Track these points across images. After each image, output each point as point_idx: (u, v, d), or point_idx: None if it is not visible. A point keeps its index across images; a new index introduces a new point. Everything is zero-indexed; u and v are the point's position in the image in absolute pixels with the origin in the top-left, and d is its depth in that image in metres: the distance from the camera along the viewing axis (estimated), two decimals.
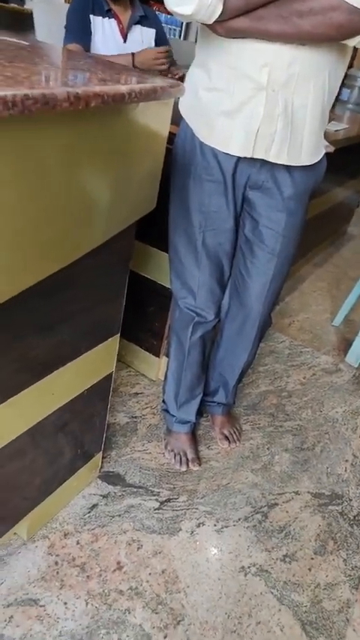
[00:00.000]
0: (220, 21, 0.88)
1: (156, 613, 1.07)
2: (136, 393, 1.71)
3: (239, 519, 1.31)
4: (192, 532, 1.26)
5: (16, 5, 2.76)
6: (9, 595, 1.05)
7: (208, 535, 1.26)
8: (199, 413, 1.54)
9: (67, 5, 2.03)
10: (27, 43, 0.82)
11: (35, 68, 0.59)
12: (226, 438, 1.56)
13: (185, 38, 3.77)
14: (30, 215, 0.59)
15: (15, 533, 1.17)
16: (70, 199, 0.66)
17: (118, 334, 1.12)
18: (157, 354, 1.75)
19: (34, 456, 1.03)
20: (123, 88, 0.58)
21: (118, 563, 1.15)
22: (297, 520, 1.34)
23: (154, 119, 0.80)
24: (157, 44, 2.07)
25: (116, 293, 1.05)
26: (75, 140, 0.60)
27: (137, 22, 2.02)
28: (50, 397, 0.99)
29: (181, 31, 4.07)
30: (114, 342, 1.12)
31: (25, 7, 2.84)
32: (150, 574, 1.14)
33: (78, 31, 1.90)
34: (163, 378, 1.75)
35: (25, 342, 0.84)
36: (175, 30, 3.69)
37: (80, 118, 0.58)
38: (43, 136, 0.53)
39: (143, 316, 1.69)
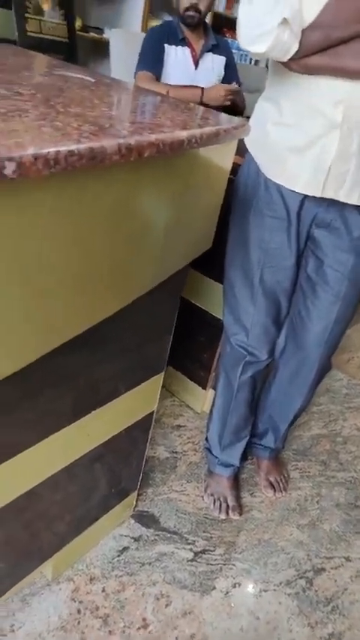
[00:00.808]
0: (295, 58, 0.83)
1: None
2: (179, 426, 1.63)
3: (280, 583, 1.19)
4: (227, 592, 1.15)
5: (95, 34, 2.83)
6: None
7: (245, 598, 1.14)
8: (244, 455, 1.43)
9: (143, 35, 2.05)
10: (93, 80, 0.78)
11: (91, 114, 0.53)
12: (272, 485, 1.44)
13: (256, 64, 3.75)
14: (77, 269, 0.54)
15: (40, 572, 1.11)
16: (120, 250, 0.61)
17: (163, 372, 1.05)
18: (204, 386, 1.66)
19: (68, 493, 0.98)
20: (183, 134, 0.52)
21: (144, 619, 1.06)
22: (346, 592, 1.20)
23: (217, 159, 0.74)
24: (226, 71, 2.06)
25: (164, 330, 0.98)
26: (127, 189, 0.55)
27: (209, 50, 2.01)
28: (86, 437, 0.93)
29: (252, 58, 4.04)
30: (158, 380, 1.05)
31: (104, 35, 2.92)
32: (177, 638, 1.04)
33: (151, 60, 1.92)
34: (208, 412, 1.66)
35: (64, 382, 0.79)
36: (246, 55, 3.67)
37: (134, 167, 0.52)
38: (91, 188, 0.48)
39: (192, 346, 1.62)
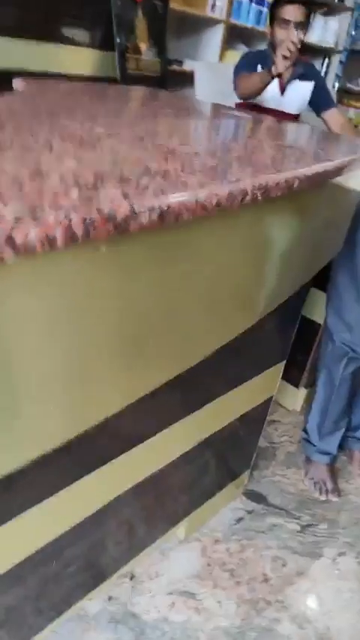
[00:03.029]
0: None
1: (302, 629, 1.13)
2: (274, 421, 1.79)
3: None
4: (334, 559, 1.30)
5: (176, 66, 3.11)
6: (170, 584, 1.18)
7: (351, 566, 1.29)
8: (339, 446, 1.58)
9: (226, 66, 2.27)
10: (249, 116, 0.99)
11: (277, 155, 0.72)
12: None
13: None
14: (221, 294, 0.67)
15: (174, 534, 1.31)
16: (258, 271, 0.75)
17: (285, 359, 1.23)
18: (297, 385, 1.82)
19: (193, 469, 1.16)
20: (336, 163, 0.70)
21: (265, 575, 1.23)
22: None
23: (352, 181, 0.90)
24: (317, 94, 2.19)
25: (291, 321, 1.16)
26: (270, 219, 0.68)
27: (295, 78, 2.18)
28: (212, 420, 1.10)
29: None
30: (280, 367, 1.23)
31: (184, 67, 3.18)
32: (295, 591, 1.20)
33: (245, 71, 2.10)
34: (299, 410, 1.83)
35: (193, 374, 0.91)
36: None
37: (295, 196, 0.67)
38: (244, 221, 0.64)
39: None
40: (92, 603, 1.13)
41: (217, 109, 1.19)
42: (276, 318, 1.09)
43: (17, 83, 1.13)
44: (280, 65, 1.87)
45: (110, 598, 1.15)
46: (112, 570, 1.12)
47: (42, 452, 0.55)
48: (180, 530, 1.29)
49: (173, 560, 1.24)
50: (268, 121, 1.11)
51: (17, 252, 0.33)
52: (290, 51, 1.79)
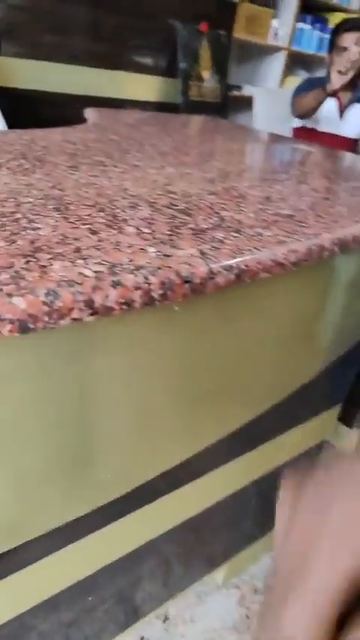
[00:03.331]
0: None
1: None
2: None
3: None
4: None
5: (235, 92, 3.14)
6: (205, 632, 1.13)
7: None
8: None
9: (285, 91, 2.27)
10: (312, 150, 0.96)
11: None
12: None
13: None
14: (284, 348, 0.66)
15: (212, 577, 1.25)
16: (324, 323, 0.72)
17: (341, 402, 1.17)
18: (350, 425, 1.73)
19: (238, 511, 1.12)
20: None
21: None
22: None
23: None
24: None
25: (349, 370, 1.11)
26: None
27: (355, 102, 2.15)
28: (265, 462, 1.06)
29: None
30: (336, 410, 1.17)
31: (242, 92, 3.21)
32: None
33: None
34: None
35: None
36: None
37: None
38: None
39: None
40: None
41: (283, 142, 1.16)
42: (334, 364, 1.04)
43: (89, 113, 1.15)
44: (336, 81, 1.87)
45: (142, 638, 1.11)
46: (146, 610, 1.09)
47: (109, 500, 0.54)
48: (219, 574, 1.24)
49: (210, 605, 1.19)
50: (338, 156, 1.08)
51: (95, 314, 0.32)
52: (346, 68, 1.80)
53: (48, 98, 2.29)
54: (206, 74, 2.72)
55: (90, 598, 0.93)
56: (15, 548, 0.58)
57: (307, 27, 3.16)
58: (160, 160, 0.74)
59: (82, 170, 0.61)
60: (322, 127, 2.15)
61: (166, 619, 1.15)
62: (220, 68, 2.79)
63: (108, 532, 0.78)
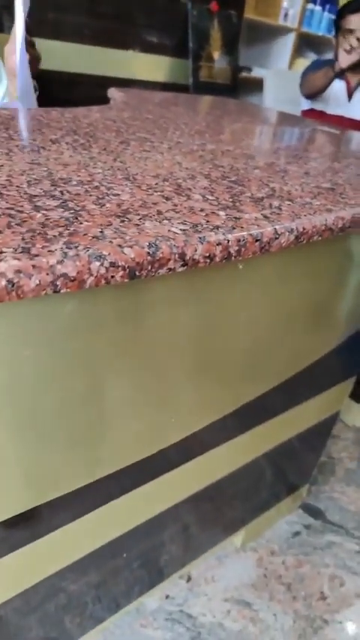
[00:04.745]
0: None
1: None
2: (333, 436, 1.77)
3: None
4: None
5: (245, 73, 3.13)
6: (226, 591, 1.19)
7: None
8: None
9: (294, 74, 2.28)
10: (337, 132, 0.99)
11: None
12: None
13: None
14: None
15: (231, 541, 1.32)
16: (349, 294, 0.77)
17: (354, 376, 1.22)
18: (358, 401, 1.79)
19: (254, 479, 1.17)
20: None
21: (322, 593, 1.22)
22: None
23: None
24: None
25: None
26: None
27: None
28: (279, 433, 1.10)
29: None
30: (349, 382, 1.22)
31: (251, 73, 3.20)
32: (354, 613, 1.19)
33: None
34: (358, 425, 1.79)
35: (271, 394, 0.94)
36: None
37: None
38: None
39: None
40: (150, 600, 1.16)
41: (308, 124, 1.19)
42: (351, 336, 1.09)
43: (113, 93, 1.18)
44: (343, 59, 1.88)
45: (167, 597, 1.17)
46: (170, 571, 1.15)
47: (128, 463, 0.58)
48: (237, 538, 1.30)
49: (230, 567, 1.25)
50: (357, 136, 1.11)
51: (185, 266, 0.36)
52: (352, 46, 1.81)
53: (55, 77, 2.29)
54: (216, 55, 2.72)
55: (120, 557, 0.99)
56: (44, 512, 0.63)
57: (317, 8, 3.14)
58: (199, 138, 0.77)
59: (133, 146, 0.65)
60: (331, 109, 2.17)
61: (189, 579, 1.21)
62: (231, 49, 2.79)
63: (131, 499, 0.82)
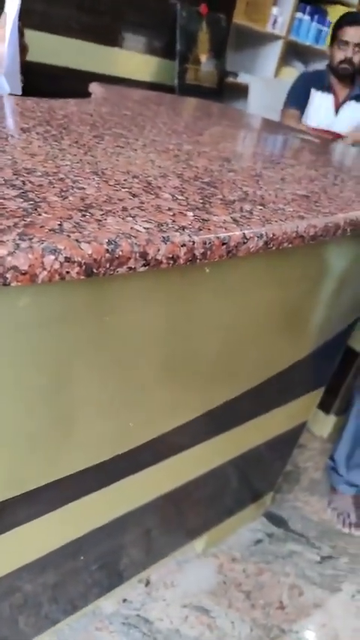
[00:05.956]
0: None
1: None
2: (300, 445, 1.78)
3: None
4: (353, 596, 1.28)
5: (231, 78, 3.14)
6: (185, 597, 1.18)
7: None
8: None
9: (280, 83, 2.30)
10: (317, 141, 0.99)
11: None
12: None
13: None
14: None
15: (193, 547, 1.30)
16: (322, 304, 0.77)
17: (323, 386, 1.22)
18: (327, 411, 1.80)
19: (218, 485, 1.16)
20: None
21: (281, 602, 1.22)
22: None
23: None
24: None
25: (334, 355, 1.16)
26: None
27: (352, 99, 2.19)
28: (247, 440, 1.09)
29: None
30: (319, 392, 1.22)
31: (237, 79, 3.21)
32: (311, 623, 1.19)
33: (299, 100, 2.16)
34: (325, 436, 1.81)
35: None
36: None
37: None
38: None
39: None
40: (107, 603, 1.13)
41: (289, 130, 1.19)
42: (323, 346, 1.09)
43: (94, 88, 1.16)
44: (337, 55, 2.04)
45: (125, 600, 1.15)
46: (129, 574, 1.13)
47: (93, 464, 0.56)
48: (199, 543, 1.29)
49: (189, 572, 1.24)
50: (340, 147, 1.12)
51: (146, 265, 0.35)
52: (346, 57, 1.91)
53: (40, 69, 2.24)
54: (204, 58, 2.72)
55: (81, 558, 0.96)
56: (1, 510, 0.60)
57: (305, 18, 3.17)
58: (176, 138, 0.76)
59: (107, 140, 0.63)
60: (314, 122, 2.19)
61: (148, 583, 1.19)
62: (218, 53, 2.79)
63: (93, 499, 0.80)
